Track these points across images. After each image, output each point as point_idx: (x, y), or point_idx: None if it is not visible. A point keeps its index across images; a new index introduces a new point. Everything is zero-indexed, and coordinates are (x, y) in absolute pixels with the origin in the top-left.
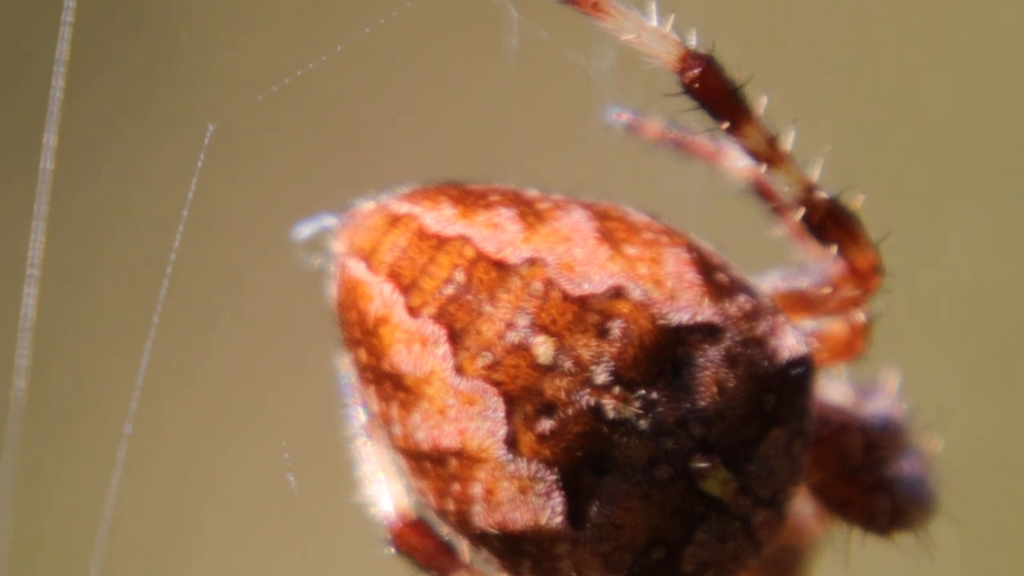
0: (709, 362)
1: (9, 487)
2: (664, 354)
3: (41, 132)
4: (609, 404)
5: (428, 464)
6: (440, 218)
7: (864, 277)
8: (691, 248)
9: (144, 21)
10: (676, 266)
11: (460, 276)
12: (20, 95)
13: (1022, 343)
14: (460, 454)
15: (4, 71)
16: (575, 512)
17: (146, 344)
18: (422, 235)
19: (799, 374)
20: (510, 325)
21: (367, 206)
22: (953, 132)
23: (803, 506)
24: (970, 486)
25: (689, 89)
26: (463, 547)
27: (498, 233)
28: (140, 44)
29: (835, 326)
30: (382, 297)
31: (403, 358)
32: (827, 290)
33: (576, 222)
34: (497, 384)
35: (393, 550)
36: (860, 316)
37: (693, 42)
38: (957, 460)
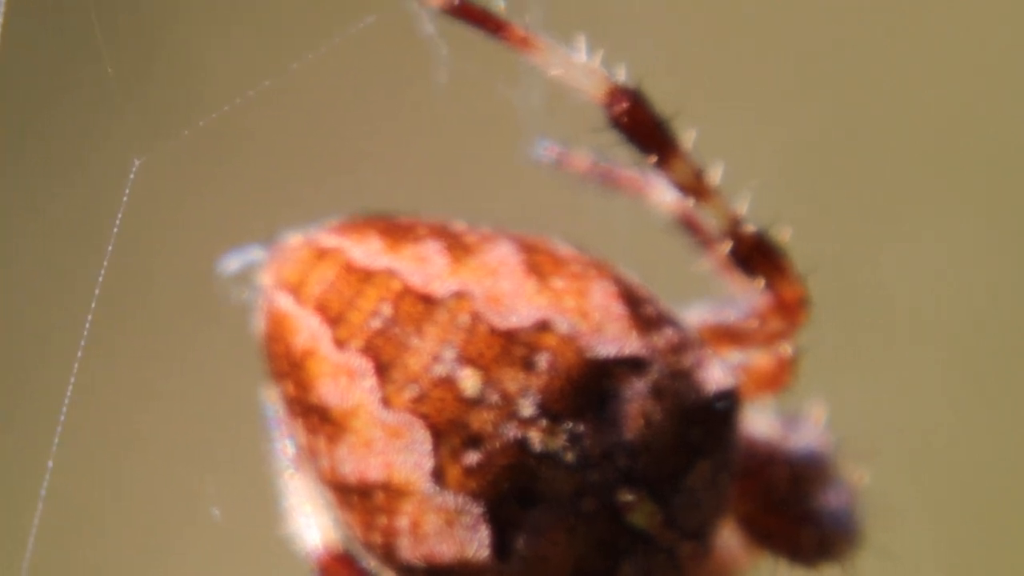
0: (635, 395)
1: None
2: (590, 387)
3: None
4: (535, 437)
5: (355, 497)
6: (368, 251)
7: (791, 310)
8: (618, 281)
9: (72, 54)
10: (603, 299)
11: (387, 309)
12: None
13: (952, 371)
14: (386, 487)
15: None
16: (501, 544)
17: (69, 378)
18: (349, 268)
19: (725, 407)
20: (436, 358)
21: (294, 239)
22: (889, 156)
23: (729, 538)
24: (897, 517)
25: (617, 124)
26: None
27: (425, 266)
28: (70, 74)
29: (761, 358)
30: (309, 330)
31: (330, 391)
32: (754, 323)
33: (503, 255)
34: (424, 417)
35: None
36: (787, 348)
37: (621, 76)
38: (884, 491)
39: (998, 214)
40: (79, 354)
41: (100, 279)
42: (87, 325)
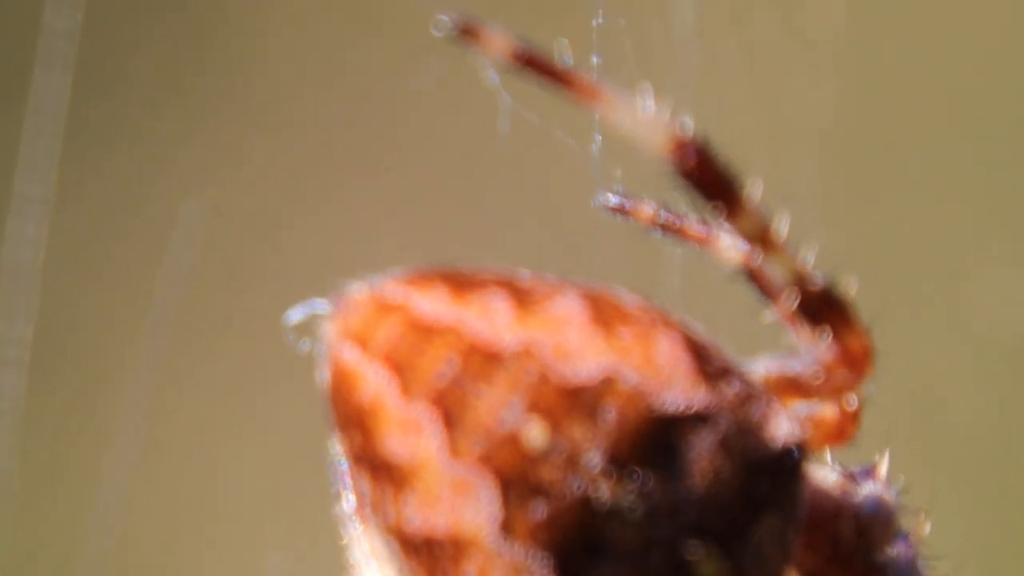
0: (703, 448)
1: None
2: (658, 440)
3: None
4: (603, 490)
5: (422, 550)
6: (434, 303)
7: (856, 362)
8: (684, 333)
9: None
10: (670, 351)
11: (454, 363)
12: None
13: (1018, 423)
14: (454, 540)
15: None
16: None
17: (138, 421)
18: (416, 320)
19: (792, 460)
20: (504, 411)
21: (361, 291)
22: (946, 212)
23: None
24: (959, 571)
25: (682, 175)
26: None
27: (492, 319)
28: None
29: (826, 410)
30: (376, 383)
31: (396, 444)
32: (819, 375)
33: (570, 307)
34: (491, 471)
35: None
36: (851, 400)
37: (686, 127)
38: (945, 544)
39: None
40: (148, 398)
41: (157, 329)
42: (156, 367)
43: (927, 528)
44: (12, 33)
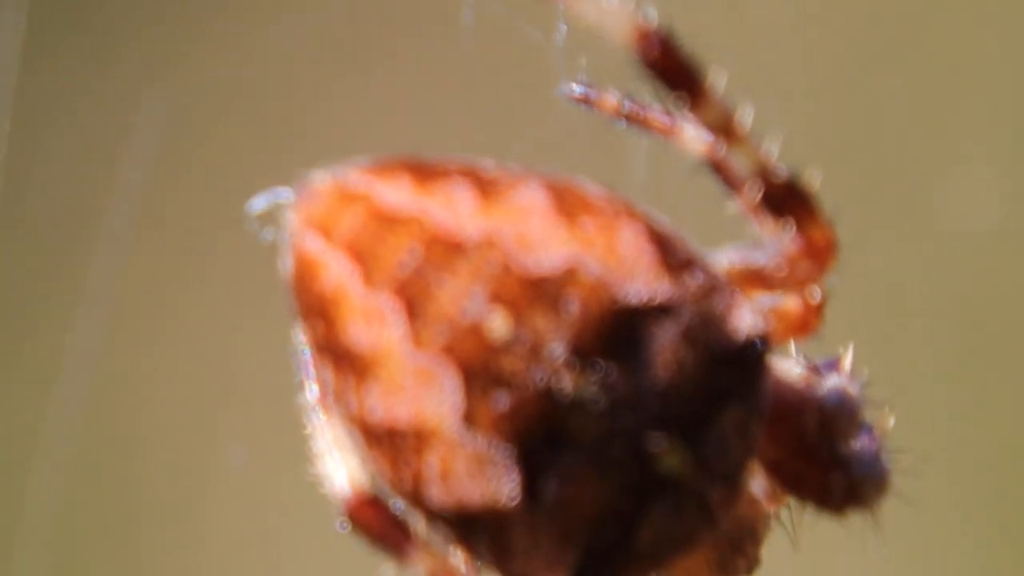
0: (666, 339)
1: None
2: (621, 331)
3: None
4: (566, 381)
5: (384, 439)
6: (397, 193)
7: (820, 254)
8: (648, 224)
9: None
10: (634, 242)
11: (417, 252)
12: None
13: (981, 319)
14: (416, 430)
15: None
16: (532, 488)
17: (100, 311)
18: (379, 210)
19: (755, 351)
20: (467, 301)
21: (324, 180)
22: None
23: (756, 483)
24: (922, 464)
25: (647, 66)
26: (419, 523)
27: (455, 209)
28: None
29: (789, 302)
30: (339, 272)
31: (359, 333)
32: (783, 267)
33: (533, 197)
34: (454, 361)
35: (347, 525)
36: (815, 292)
37: (651, 19)
38: (910, 438)
39: None
40: (111, 288)
41: (122, 214)
42: (118, 257)
43: (891, 421)
44: None
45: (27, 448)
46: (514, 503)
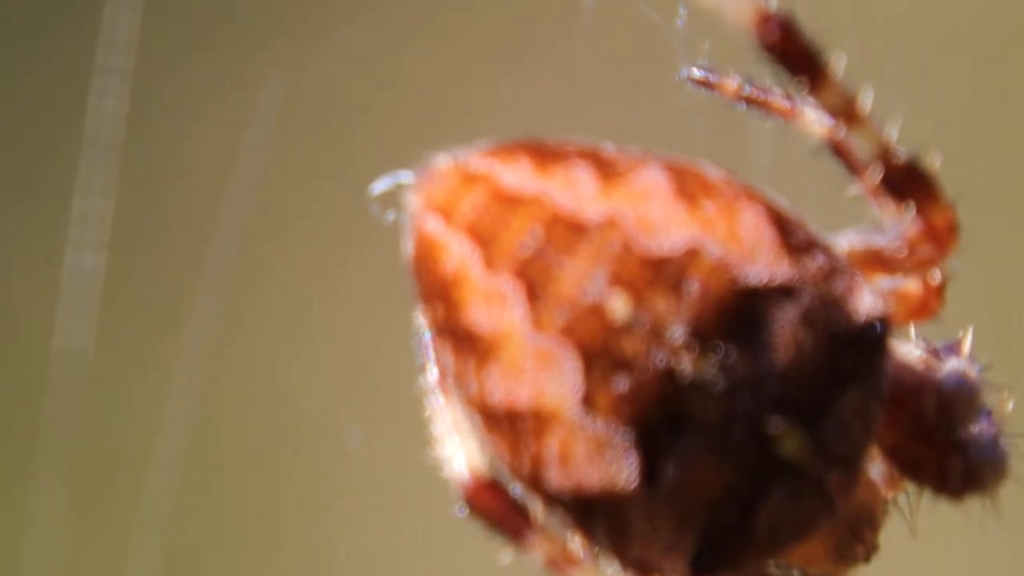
0: (786, 322)
1: None
2: (741, 313)
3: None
4: (686, 363)
5: (503, 423)
6: (518, 175)
7: (941, 236)
8: (769, 206)
9: None
10: (754, 224)
11: (538, 234)
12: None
13: None
14: (536, 413)
15: None
16: (650, 472)
17: (219, 294)
18: (500, 192)
19: (876, 334)
20: (588, 283)
21: (445, 162)
22: None
23: (875, 468)
24: None
25: (767, 50)
26: (536, 508)
27: (576, 191)
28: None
29: (910, 285)
30: (460, 254)
31: (480, 315)
32: (903, 249)
33: (654, 180)
34: (574, 343)
35: (466, 510)
36: (935, 275)
37: (771, 2)
38: None
39: None
40: (229, 274)
41: (246, 199)
42: (237, 241)
43: (1010, 406)
44: None
45: (146, 438)
46: (632, 487)
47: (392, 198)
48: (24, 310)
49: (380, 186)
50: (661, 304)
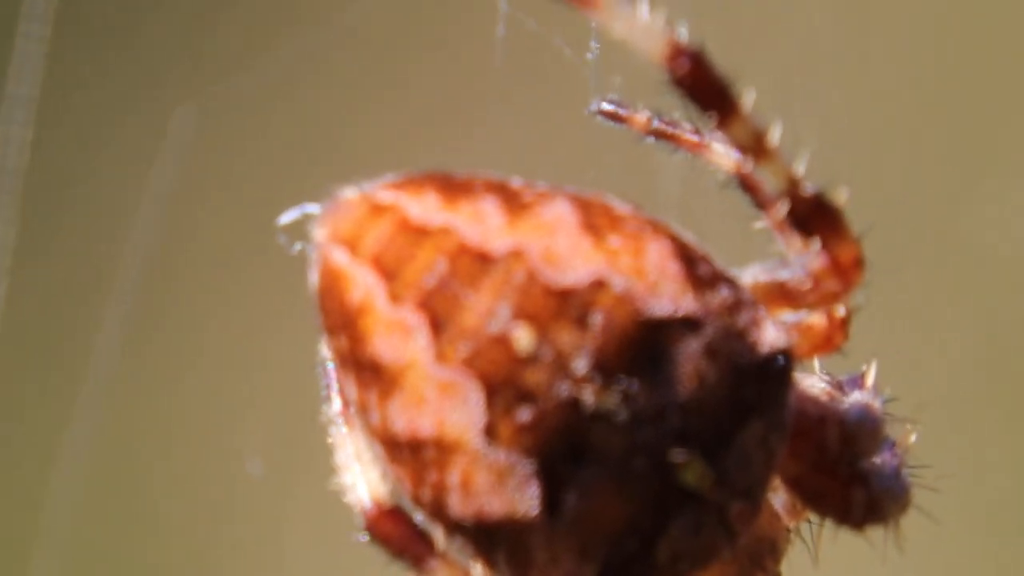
0: (689, 354)
1: None
2: (645, 345)
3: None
4: (588, 395)
5: (406, 452)
6: (424, 207)
7: (846, 271)
8: (674, 240)
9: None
10: (658, 258)
11: (443, 266)
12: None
13: (1007, 338)
14: (438, 443)
15: None
16: (552, 502)
17: (116, 329)
18: (406, 224)
19: (779, 366)
20: (491, 315)
21: (351, 194)
22: (946, 126)
23: (777, 498)
24: (945, 482)
25: (677, 83)
26: (438, 535)
27: (482, 223)
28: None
29: (814, 319)
30: (364, 285)
31: (383, 346)
32: (808, 283)
33: (560, 213)
34: (477, 373)
35: (367, 537)
36: (840, 309)
37: (683, 36)
38: (932, 455)
39: None
40: (127, 305)
41: (147, 231)
42: (139, 270)
43: (913, 438)
44: None
45: (47, 459)
46: (533, 516)
47: (299, 229)
48: None
49: (287, 217)
50: (565, 336)
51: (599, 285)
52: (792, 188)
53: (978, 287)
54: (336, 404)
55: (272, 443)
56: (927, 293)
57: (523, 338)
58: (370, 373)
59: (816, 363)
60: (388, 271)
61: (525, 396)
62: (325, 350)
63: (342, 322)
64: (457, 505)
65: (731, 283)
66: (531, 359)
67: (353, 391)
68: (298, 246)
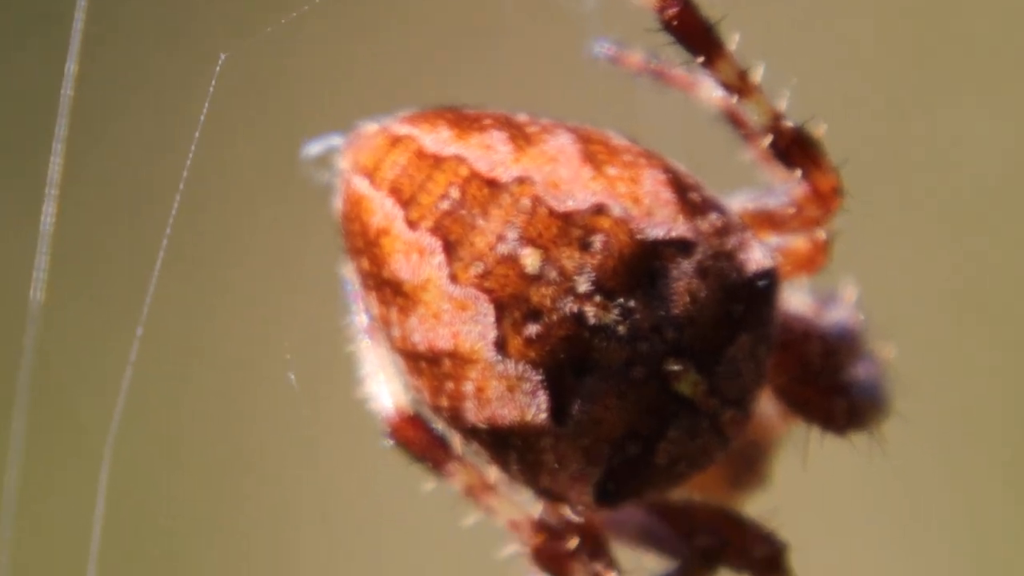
0: (682, 273)
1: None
2: (641, 266)
3: (63, 62)
4: (590, 311)
5: (424, 364)
6: (438, 139)
7: (825, 198)
8: (667, 169)
9: None
10: (653, 185)
11: (455, 192)
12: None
13: (980, 256)
14: (453, 355)
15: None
16: (558, 409)
17: (159, 250)
18: (421, 154)
19: (765, 285)
20: (500, 238)
21: (371, 127)
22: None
23: (767, 406)
24: (921, 390)
25: (667, 26)
26: (455, 440)
27: (490, 154)
28: None
29: (798, 242)
30: (383, 210)
31: (402, 267)
32: (791, 210)
33: (562, 144)
34: (488, 291)
35: (390, 442)
36: (821, 233)
37: None
38: (909, 366)
39: None
40: (168, 230)
41: (188, 162)
42: (176, 203)
43: (892, 351)
44: None
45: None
46: (541, 422)
47: (323, 160)
48: None
49: (312, 148)
50: (567, 257)
51: (599, 210)
52: (775, 122)
53: (952, 207)
54: (360, 320)
55: (307, 357)
56: (904, 215)
57: (530, 259)
58: (390, 291)
59: (801, 282)
60: (405, 197)
61: (532, 312)
62: (349, 271)
63: (364, 244)
64: (472, 412)
65: (720, 209)
66: (537, 278)
67: (375, 308)
68: (322, 175)
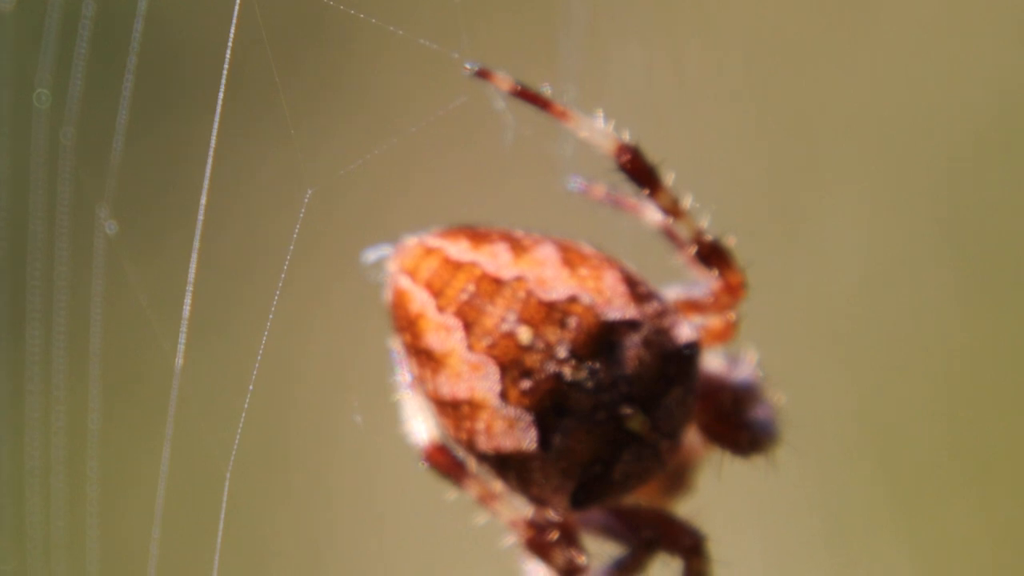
0: (632, 344)
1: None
2: (603, 339)
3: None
4: (567, 371)
5: (449, 409)
6: (459, 249)
7: (735, 290)
8: (622, 270)
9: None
10: (612, 282)
11: (471, 287)
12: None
13: (854, 324)
14: (470, 402)
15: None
16: (544, 441)
17: (263, 335)
18: (447, 261)
19: (690, 352)
20: (503, 319)
21: (411, 240)
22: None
23: (692, 437)
24: (806, 425)
25: (623, 168)
26: (471, 463)
27: (496, 259)
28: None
29: (714, 321)
30: (420, 300)
31: (433, 340)
32: (710, 298)
33: (547, 252)
34: (494, 357)
35: (425, 464)
36: (731, 315)
37: (626, 137)
38: (797, 409)
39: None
40: (268, 324)
41: (283, 273)
42: (275, 301)
43: (782, 398)
44: None
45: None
46: (532, 450)
47: (378, 264)
48: None
49: (369, 255)
50: (551, 333)
51: (573, 299)
52: (698, 236)
53: (827, 289)
54: (404, 378)
55: (367, 402)
56: (791, 299)
57: (524, 334)
58: (425, 357)
59: (717, 349)
60: (436, 291)
61: (526, 372)
62: (395, 343)
63: (406, 324)
64: (483, 443)
65: (659, 298)
66: (529, 348)
67: (414, 369)
68: (377, 275)
